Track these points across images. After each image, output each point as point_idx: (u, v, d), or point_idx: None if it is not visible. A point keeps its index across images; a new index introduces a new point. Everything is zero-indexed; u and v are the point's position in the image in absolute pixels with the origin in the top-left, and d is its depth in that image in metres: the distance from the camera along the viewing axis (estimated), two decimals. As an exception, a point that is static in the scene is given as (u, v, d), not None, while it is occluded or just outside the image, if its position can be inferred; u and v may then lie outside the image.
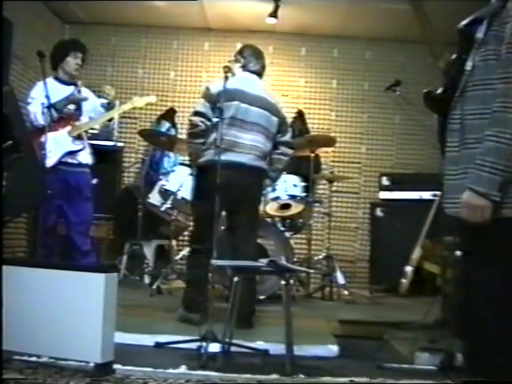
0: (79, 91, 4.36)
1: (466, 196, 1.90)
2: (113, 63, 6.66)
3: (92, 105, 4.42)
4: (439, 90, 2.09)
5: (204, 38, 6.68)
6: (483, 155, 1.88)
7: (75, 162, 4.24)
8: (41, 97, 4.03)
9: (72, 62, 4.28)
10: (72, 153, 4.23)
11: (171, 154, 5.85)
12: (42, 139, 3.96)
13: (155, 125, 6.39)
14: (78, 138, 4.24)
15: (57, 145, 4.12)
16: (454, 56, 2.09)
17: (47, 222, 3.98)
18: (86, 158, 4.31)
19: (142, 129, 5.94)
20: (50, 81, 4.24)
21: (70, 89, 4.31)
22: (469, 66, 1.99)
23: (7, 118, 3.05)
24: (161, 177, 5.10)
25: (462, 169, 1.97)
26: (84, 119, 4.30)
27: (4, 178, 2.96)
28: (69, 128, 4.21)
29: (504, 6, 1.93)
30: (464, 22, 2.08)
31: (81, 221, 4.25)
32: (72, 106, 4.28)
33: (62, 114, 4.20)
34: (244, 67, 3.99)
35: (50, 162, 4.06)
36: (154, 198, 4.92)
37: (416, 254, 3.80)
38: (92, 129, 4.50)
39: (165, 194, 4.82)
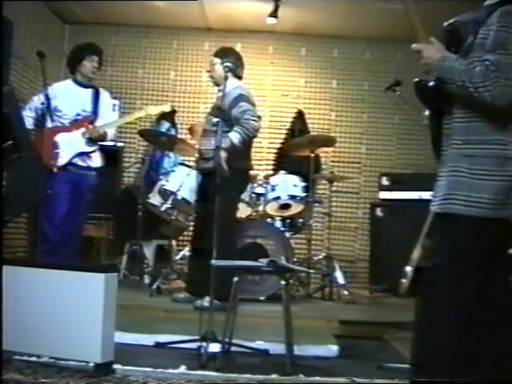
0: (97, 93, 4.41)
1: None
2: (113, 63, 6.65)
3: (108, 108, 4.47)
4: (430, 83, 2.12)
5: (204, 38, 6.67)
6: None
7: (84, 164, 4.29)
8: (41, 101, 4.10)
9: (88, 65, 4.37)
10: (83, 154, 4.27)
11: (171, 154, 5.85)
12: (56, 139, 4.05)
13: (155, 125, 6.37)
14: (92, 140, 4.28)
15: (70, 145, 4.21)
16: None
17: (50, 222, 4.00)
18: (96, 161, 4.37)
19: (141, 129, 5.93)
20: (68, 83, 4.40)
21: (88, 92, 4.39)
22: None
23: (7, 118, 3.05)
24: (161, 177, 5.10)
25: (447, 167, 2.02)
26: (99, 122, 4.34)
27: (4, 177, 2.96)
28: (83, 130, 4.26)
29: (489, 14, 1.98)
30: (450, 21, 2.14)
31: (74, 222, 4.26)
32: (88, 109, 4.33)
33: (78, 116, 4.26)
34: (232, 71, 4.16)
35: (62, 161, 4.18)
36: (154, 198, 4.92)
37: (416, 254, 3.79)
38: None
39: (165, 194, 4.82)
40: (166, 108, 4.82)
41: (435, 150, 2.14)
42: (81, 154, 4.28)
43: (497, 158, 1.95)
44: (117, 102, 6.04)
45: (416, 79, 2.17)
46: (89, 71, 4.38)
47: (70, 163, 4.22)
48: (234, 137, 4.11)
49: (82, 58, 4.37)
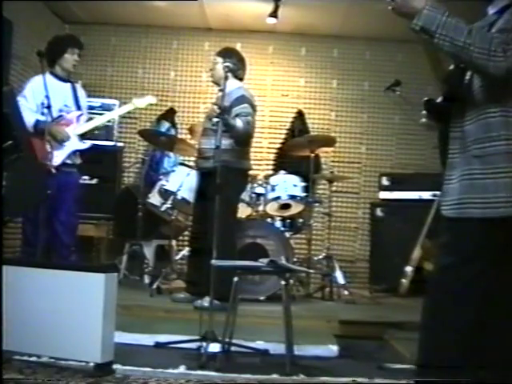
0: (75, 89, 4.36)
1: None
2: (113, 63, 6.65)
3: (85, 103, 4.43)
4: (439, 99, 2.11)
5: (204, 37, 6.67)
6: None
7: (70, 162, 4.23)
8: (37, 97, 4.05)
9: (70, 58, 4.24)
10: (77, 152, 4.23)
11: (171, 154, 5.85)
12: (48, 138, 4.00)
13: (155, 125, 6.38)
14: (83, 136, 4.25)
15: (62, 144, 4.13)
16: (451, 66, 2.12)
17: (35, 223, 3.96)
18: (79, 158, 4.32)
19: (141, 129, 5.94)
20: (47, 77, 4.15)
21: (67, 86, 4.30)
22: (468, 75, 2.03)
23: (7, 118, 3.05)
24: (161, 177, 5.10)
25: (459, 171, 2.00)
26: (84, 117, 4.31)
27: (4, 177, 2.96)
28: (73, 127, 4.21)
29: (499, 17, 1.96)
30: None
31: (67, 222, 4.25)
32: (70, 104, 4.28)
33: (61, 112, 4.21)
34: (233, 72, 4.22)
35: (58, 160, 4.09)
36: (154, 198, 4.92)
37: (416, 254, 3.80)
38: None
39: (165, 194, 4.82)
40: (152, 100, 4.76)
41: (441, 153, 2.13)
42: (75, 152, 4.22)
43: (505, 154, 1.93)
44: (116, 101, 6.08)
45: (425, 98, 2.13)
46: (70, 65, 4.25)
47: (59, 165, 4.13)
48: (238, 122, 4.13)
49: (64, 50, 4.23)
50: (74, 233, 4.39)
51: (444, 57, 2.04)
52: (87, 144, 4.28)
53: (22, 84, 5.29)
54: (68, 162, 4.20)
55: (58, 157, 4.10)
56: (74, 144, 4.20)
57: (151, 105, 4.89)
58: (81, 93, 4.40)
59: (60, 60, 4.25)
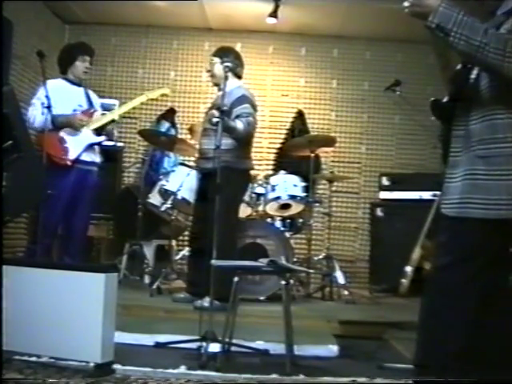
0: (88, 92, 4.44)
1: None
2: (113, 63, 6.65)
3: (99, 105, 4.50)
4: (445, 99, 2.10)
5: (204, 37, 6.67)
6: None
7: (90, 160, 4.29)
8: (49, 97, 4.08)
9: (80, 65, 4.36)
10: (94, 145, 4.30)
11: (171, 154, 5.85)
12: (61, 134, 4.04)
13: (155, 125, 6.38)
14: (99, 130, 4.30)
15: (77, 139, 4.16)
16: (459, 66, 2.11)
17: (51, 220, 3.99)
18: (99, 156, 4.39)
19: (141, 129, 5.94)
20: (60, 81, 4.36)
21: (81, 89, 4.39)
22: (474, 74, 2.03)
23: (7, 118, 3.05)
24: (161, 177, 5.10)
25: (462, 171, 1.99)
26: (98, 113, 4.37)
27: (4, 177, 2.96)
28: (88, 122, 4.27)
29: (508, 18, 1.96)
30: None
31: (82, 221, 4.27)
32: (84, 104, 4.34)
33: (75, 112, 4.26)
34: (232, 70, 4.20)
35: (73, 154, 4.14)
36: (154, 198, 4.92)
37: (416, 254, 3.79)
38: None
39: (165, 194, 4.82)
40: (166, 91, 4.89)
41: (444, 151, 2.12)
42: (92, 145, 4.28)
43: (510, 156, 1.92)
44: (116, 101, 6.08)
45: (432, 99, 2.12)
46: (80, 72, 4.36)
47: (76, 159, 4.20)
48: (239, 124, 4.13)
49: (74, 58, 4.34)
50: (87, 231, 4.44)
51: (454, 57, 2.03)
52: (102, 137, 4.33)
53: (22, 84, 5.32)
54: (86, 159, 4.25)
55: (74, 151, 4.16)
56: (89, 137, 4.25)
57: (151, 104, 4.90)
58: (93, 95, 4.53)
59: (71, 68, 4.36)
